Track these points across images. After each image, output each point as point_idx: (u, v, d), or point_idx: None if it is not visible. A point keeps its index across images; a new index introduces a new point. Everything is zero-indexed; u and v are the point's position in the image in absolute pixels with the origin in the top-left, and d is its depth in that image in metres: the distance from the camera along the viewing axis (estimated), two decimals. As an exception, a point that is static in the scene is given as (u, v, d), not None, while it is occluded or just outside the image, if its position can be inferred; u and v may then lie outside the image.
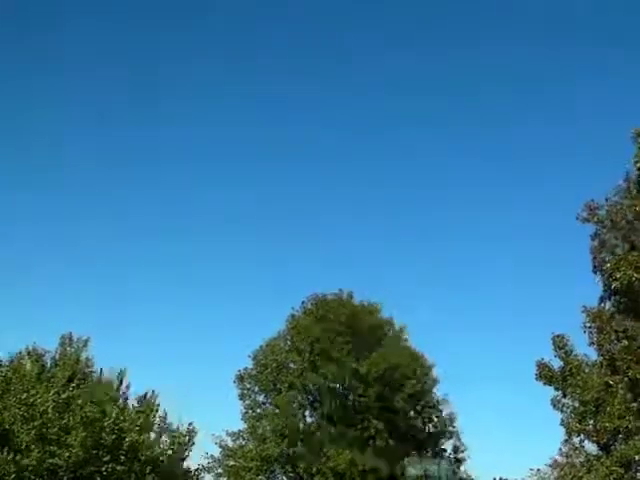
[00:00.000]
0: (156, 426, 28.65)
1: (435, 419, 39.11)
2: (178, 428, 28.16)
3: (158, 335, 69.37)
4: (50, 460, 24.24)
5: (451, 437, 39.07)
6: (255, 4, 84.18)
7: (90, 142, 79.43)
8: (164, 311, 74.53)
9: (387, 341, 38.18)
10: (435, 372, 38.87)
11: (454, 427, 39.05)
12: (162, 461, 27.67)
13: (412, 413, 38.22)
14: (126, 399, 29.27)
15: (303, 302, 38.62)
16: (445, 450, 38.67)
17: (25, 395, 24.36)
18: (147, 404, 28.43)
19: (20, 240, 75.20)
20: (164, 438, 28.30)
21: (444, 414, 39.11)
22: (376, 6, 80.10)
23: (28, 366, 27.17)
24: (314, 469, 34.93)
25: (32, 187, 76.19)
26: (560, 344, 21.41)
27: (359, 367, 35.95)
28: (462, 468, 38.73)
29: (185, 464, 29.56)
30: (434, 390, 38.95)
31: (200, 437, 28.99)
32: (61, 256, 76.47)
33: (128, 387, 29.40)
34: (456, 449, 38.99)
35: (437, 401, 39.03)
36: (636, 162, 20.65)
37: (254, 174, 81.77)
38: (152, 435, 28.31)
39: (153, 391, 28.75)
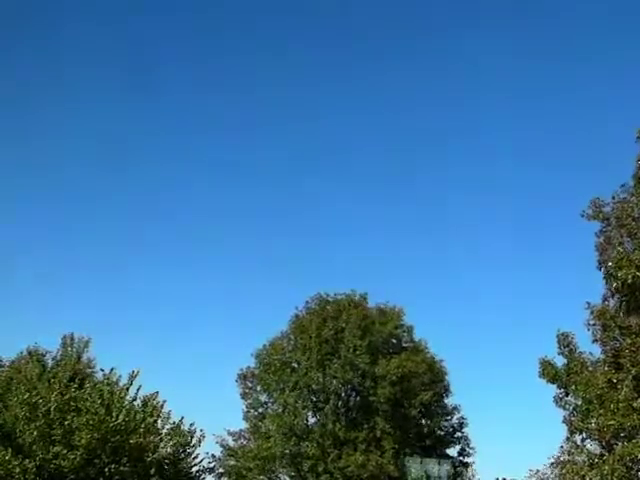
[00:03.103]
0: (162, 428, 28.43)
1: (445, 425, 39.00)
2: (180, 427, 27.96)
3: (160, 336, 69.35)
4: (55, 461, 24.22)
5: (459, 442, 38.94)
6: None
7: (91, 143, 79.75)
8: (166, 312, 74.71)
9: (408, 348, 38.09)
10: (448, 379, 38.86)
11: (463, 432, 38.98)
12: (167, 462, 27.55)
13: (423, 420, 38.15)
14: (134, 400, 29.00)
15: (307, 302, 38.61)
16: (450, 457, 38.43)
17: (27, 395, 24.41)
18: (152, 405, 28.27)
19: (20, 239, 75.94)
20: (169, 439, 28.11)
21: (454, 419, 39.07)
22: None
23: (29, 366, 27.20)
24: (320, 469, 34.85)
25: (32, 189, 76.94)
26: (565, 342, 21.25)
27: (375, 369, 35.85)
28: (467, 471, 38.59)
29: (191, 466, 29.30)
30: (446, 399, 38.95)
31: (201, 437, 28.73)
32: (63, 256, 76.86)
33: (139, 389, 29.07)
34: (462, 453, 38.83)
35: (449, 408, 38.96)
36: (638, 160, 20.59)
37: (256, 171, 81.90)
38: (157, 436, 28.12)
39: (157, 392, 28.60)
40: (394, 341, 38.34)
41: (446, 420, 38.93)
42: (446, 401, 38.91)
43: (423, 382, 36.62)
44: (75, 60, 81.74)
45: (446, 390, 38.73)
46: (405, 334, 38.89)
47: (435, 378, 37.69)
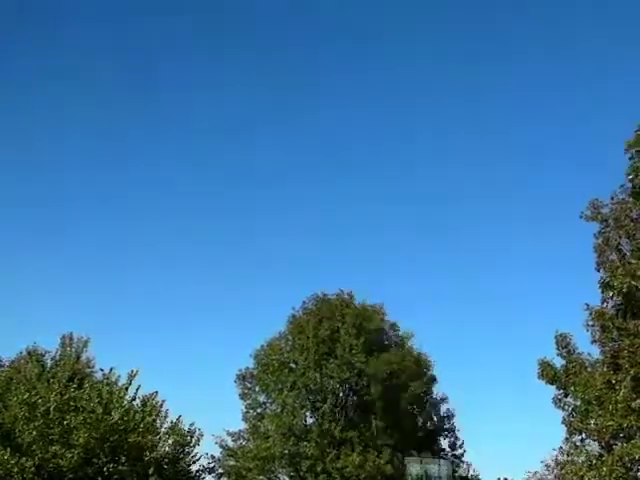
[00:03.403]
0: (161, 427, 28.43)
1: (434, 417, 39.49)
2: (178, 427, 27.96)
3: (159, 336, 69.41)
4: (53, 461, 24.21)
5: (449, 434, 39.37)
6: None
7: (91, 143, 79.69)
8: (165, 312, 74.69)
9: (394, 344, 38.55)
10: (434, 370, 39.37)
11: (451, 424, 39.42)
12: (166, 462, 27.55)
13: (414, 412, 38.52)
14: (133, 399, 28.99)
15: (304, 302, 38.82)
16: (444, 449, 38.94)
17: (27, 395, 24.40)
18: (151, 405, 28.27)
19: (20, 240, 75.89)
20: (167, 438, 28.11)
21: (442, 411, 39.60)
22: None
23: (29, 366, 27.21)
24: (319, 469, 34.92)
25: (32, 189, 76.95)
26: (563, 343, 21.26)
27: (366, 367, 36.07)
28: (461, 465, 39.00)
29: (189, 465, 29.30)
30: (433, 389, 39.54)
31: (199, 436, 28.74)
32: (63, 256, 76.85)
33: (138, 389, 29.06)
34: (453, 446, 39.25)
35: (437, 399, 39.54)
36: (629, 174, 20.50)
37: (255, 170, 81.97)
38: (156, 435, 28.11)
39: (157, 392, 28.60)
40: (381, 339, 38.62)
41: (436, 412, 39.38)
42: (434, 394, 39.55)
43: (411, 374, 37.03)
44: (75, 60, 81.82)
45: (433, 380, 39.15)
46: (391, 331, 39.25)
47: (421, 370, 38.17)
